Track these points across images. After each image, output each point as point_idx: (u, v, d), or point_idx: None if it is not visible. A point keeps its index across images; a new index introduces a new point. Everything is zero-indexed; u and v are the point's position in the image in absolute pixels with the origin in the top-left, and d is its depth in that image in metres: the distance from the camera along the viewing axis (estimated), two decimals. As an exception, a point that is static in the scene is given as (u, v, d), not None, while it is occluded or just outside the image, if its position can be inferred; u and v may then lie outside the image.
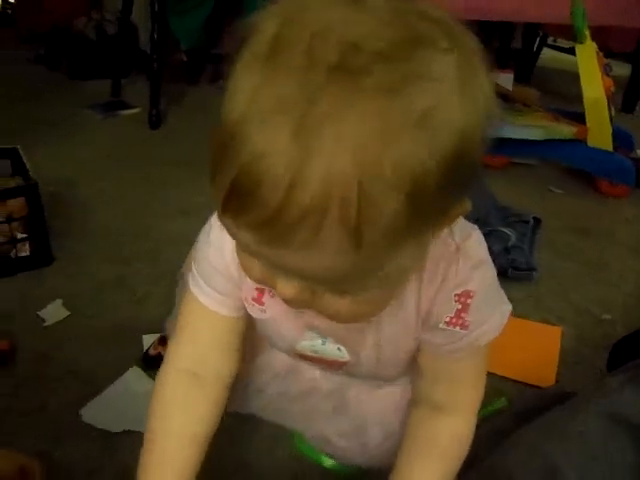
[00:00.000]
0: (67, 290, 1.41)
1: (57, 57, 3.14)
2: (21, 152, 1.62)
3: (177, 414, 0.74)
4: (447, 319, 0.65)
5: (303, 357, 0.76)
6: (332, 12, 0.43)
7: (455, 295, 0.63)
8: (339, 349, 0.72)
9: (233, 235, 0.48)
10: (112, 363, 1.20)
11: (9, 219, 1.42)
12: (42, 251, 1.49)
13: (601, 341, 1.33)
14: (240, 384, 0.81)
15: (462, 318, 0.64)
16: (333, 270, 0.45)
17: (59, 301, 1.36)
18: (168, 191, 1.90)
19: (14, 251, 1.46)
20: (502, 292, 0.69)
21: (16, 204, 1.44)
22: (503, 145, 2.06)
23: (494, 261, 1.12)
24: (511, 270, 1.52)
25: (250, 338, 0.79)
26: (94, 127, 2.47)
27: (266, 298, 0.69)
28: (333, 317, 0.56)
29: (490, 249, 1.43)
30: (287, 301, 0.55)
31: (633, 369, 0.96)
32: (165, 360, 0.76)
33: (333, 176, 0.40)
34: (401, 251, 0.47)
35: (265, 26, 0.44)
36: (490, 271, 0.67)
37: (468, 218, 1.78)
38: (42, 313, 1.33)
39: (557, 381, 1.24)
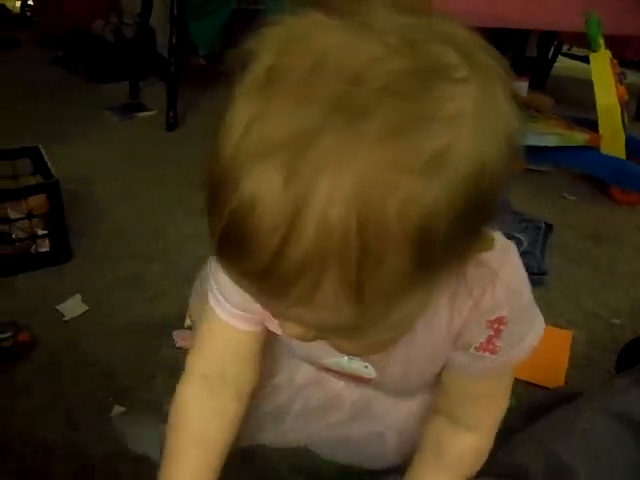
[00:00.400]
0: (85, 286, 1.44)
1: (75, 59, 3.18)
2: (42, 151, 1.66)
3: (197, 422, 0.73)
4: (477, 344, 0.62)
5: (328, 370, 0.74)
6: (334, 37, 0.39)
7: (488, 322, 0.60)
8: (366, 367, 0.70)
9: (230, 278, 0.44)
10: (127, 356, 1.23)
11: (30, 215, 1.45)
12: (61, 247, 1.52)
13: (610, 345, 1.34)
14: (254, 413, 0.80)
15: (493, 344, 0.61)
16: (335, 322, 0.43)
17: (78, 296, 1.40)
18: (182, 191, 1.93)
19: (34, 247, 1.49)
20: (536, 309, 0.64)
21: (37, 201, 1.48)
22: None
23: None
24: (522, 274, 1.53)
25: (266, 359, 0.77)
26: (111, 128, 2.51)
27: None
28: (345, 352, 0.55)
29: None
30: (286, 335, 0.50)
31: (640, 371, 0.97)
32: (185, 370, 0.75)
33: (329, 229, 0.36)
34: (408, 300, 0.44)
35: (263, 53, 0.40)
36: (526, 293, 0.62)
37: None
38: (61, 308, 1.36)
39: (566, 383, 1.25)
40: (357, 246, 0.37)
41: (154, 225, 1.75)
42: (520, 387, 1.21)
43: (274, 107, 0.38)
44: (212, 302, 0.70)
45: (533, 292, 0.63)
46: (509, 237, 1.59)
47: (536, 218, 1.80)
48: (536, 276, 1.55)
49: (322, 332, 0.49)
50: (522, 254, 1.54)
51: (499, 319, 0.60)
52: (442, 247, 0.40)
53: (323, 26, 0.40)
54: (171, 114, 2.49)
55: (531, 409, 1.05)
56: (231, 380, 0.73)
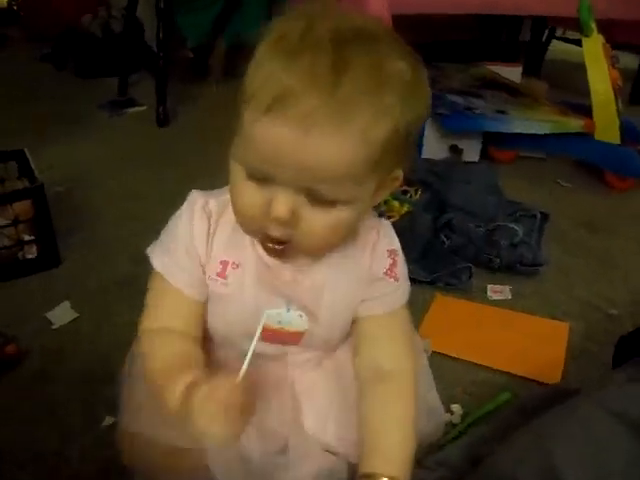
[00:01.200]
0: (75, 292, 1.42)
1: (64, 56, 3.15)
2: (27, 154, 1.64)
3: (164, 347, 0.77)
4: (384, 270, 0.78)
5: (264, 333, 0.73)
6: None
7: (387, 251, 0.79)
8: (300, 316, 0.77)
9: (264, 141, 0.60)
10: (118, 364, 1.21)
11: (15, 221, 1.43)
12: (49, 253, 1.50)
13: (608, 336, 1.32)
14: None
15: (394, 272, 0.79)
16: (338, 164, 0.60)
17: (67, 303, 1.37)
18: (178, 189, 1.89)
19: (21, 253, 1.47)
20: None
21: (22, 206, 1.45)
22: (511, 139, 2.05)
23: (501, 256, 1.46)
24: (518, 265, 1.52)
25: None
26: (102, 126, 2.48)
27: (229, 271, 0.75)
28: (307, 236, 0.66)
29: (497, 244, 1.45)
30: (276, 222, 0.64)
31: (636, 366, 0.96)
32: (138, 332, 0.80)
33: None
34: (369, 180, 0.64)
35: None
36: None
37: (476, 213, 1.76)
38: (50, 315, 1.34)
39: (563, 376, 1.23)
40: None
41: (150, 225, 1.71)
42: (517, 383, 1.20)
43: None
44: (157, 264, 0.79)
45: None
46: (504, 227, 1.55)
47: (531, 207, 1.78)
48: (532, 267, 1.53)
49: (318, 183, 0.62)
50: (517, 244, 1.54)
51: (393, 251, 0.79)
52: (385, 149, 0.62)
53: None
54: (161, 109, 2.46)
55: (527, 407, 1.04)
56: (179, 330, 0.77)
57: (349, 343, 0.85)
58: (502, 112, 2.05)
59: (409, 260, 1.42)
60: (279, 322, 0.76)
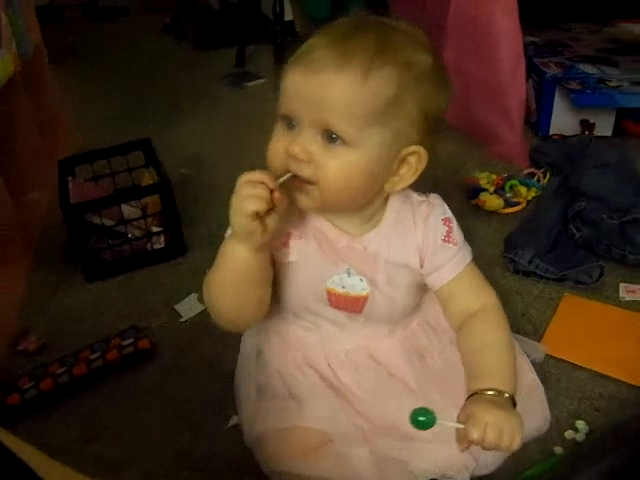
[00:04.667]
0: (201, 283, 1.45)
1: (183, 27, 3.20)
2: (153, 144, 1.68)
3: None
4: (442, 237, 0.88)
5: (332, 297, 0.89)
6: None
7: (441, 220, 0.89)
8: (361, 280, 0.87)
9: (288, 86, 0.77)
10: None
11: (144, 215, 1.48)
12: (176, 242, 1.54)
13: None
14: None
15: (451, 237, 0.88)
16: (341, 97, 0.73)
17: (194, 295, 1.41)
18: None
19: (150, 244, 1.52)
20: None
21: (151, 199, 1.50)
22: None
23: (636, 253, 1.39)
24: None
25: None
26: (222, 101, 2.51)
27: (292, 242, 0.86)
28: (326, 178, 0.76)
29: (632, 239, 1.35)
30: (294, 159, 0.76)
31: None
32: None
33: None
34: (376, 128, 0.75)
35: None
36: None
37: (609, 203, 1.65)
38: (178, 308, 1.39)
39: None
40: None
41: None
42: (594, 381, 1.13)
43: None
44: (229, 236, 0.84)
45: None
46: None
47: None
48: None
49: (334, 111, 0.74)
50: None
51: (447, 219, 0.89)
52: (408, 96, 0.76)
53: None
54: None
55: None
56: None
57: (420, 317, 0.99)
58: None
59: (536, 252, 1.41)
60: (343, 287, 0.87)
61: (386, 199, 0.88)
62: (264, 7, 2.95)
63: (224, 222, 0.80)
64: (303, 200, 0.80)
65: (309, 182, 0.78)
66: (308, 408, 0.91)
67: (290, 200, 0.79)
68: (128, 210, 1.50)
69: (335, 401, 0.92)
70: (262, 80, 2.65)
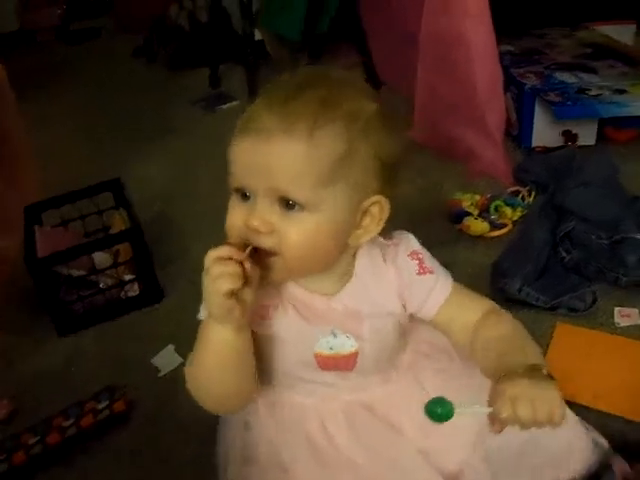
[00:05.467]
0: (179, 332, 1.39)
1: (155, 48, 3.15)
2: (123, 179, 1.62)
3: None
4: (415, 272, 0.84)
5: (321, 361, 0.84)
6: None
7: (407, 255, 0.85)
8: (348, 337, 0.83)
9: (237, 157, 0.73)
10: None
11: (116, 263, 1.42)
12: (151, 289, 1.48)
13: None
14: None
15: (424, 267, 0.85)
16: (293, 160, 0.70)
17: (171, 347, 1.35)
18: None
19: (123, 292, 1.46)
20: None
21: (122, 246, 1.44)
22: (630, 118, 1.85)
23: (629, 275, 1.34)
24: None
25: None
26: (197, 125, 2.45)
27: (272, 313, 0.82)
28: (288, 246, 0.73)
29: (623, 260, 1.30)
30: (254, 231, 0.72)
31: None
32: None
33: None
34: (333, 186, 0.72)
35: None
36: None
37: (596, 222, 1.59)
38: (155, 361, 1.33)
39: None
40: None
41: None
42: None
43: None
44: (204, 315, 0.80)
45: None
46: (631, 240, 1.37)
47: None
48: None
49: (281, 186, 0.71)
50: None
51: (414, 252, 0.86)
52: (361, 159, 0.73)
53: None
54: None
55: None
56: None
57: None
58: (620, 91, 1.84)
59: (525, 280, 1.35)
60: (331, 348, 0.84)
61: (354, 252, 0.84)
62: (235, 24, 2.89)
63: (201, 257, 0.74)
64: (268, 275, 0.76)
65: (272, 253, 0.74)
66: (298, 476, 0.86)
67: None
68: (99, 257, 1.44)
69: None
70: (236, 102, 2.59)
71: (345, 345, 0.84)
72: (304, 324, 0.83)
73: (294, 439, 0.89)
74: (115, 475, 1.12)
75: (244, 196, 0.75)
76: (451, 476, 0.84)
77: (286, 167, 0.71)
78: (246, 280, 0.71)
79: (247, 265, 0.70)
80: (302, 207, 0.72)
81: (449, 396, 0.76)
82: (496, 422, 0.72)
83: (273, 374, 0.89)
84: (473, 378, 0.85)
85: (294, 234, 0.73)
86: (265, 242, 0.73)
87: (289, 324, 0.83)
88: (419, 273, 0.85)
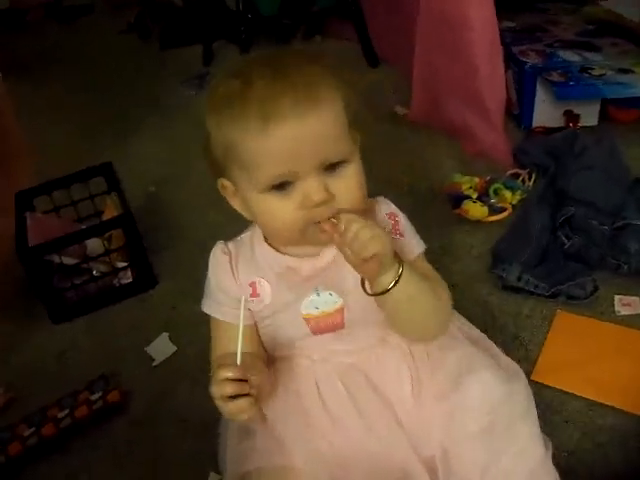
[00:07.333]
0: (173, 320, 1.38)
1: (147, 26, 3.09)
2: (116, 163, 1.59)
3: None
4: (389, 229, 0.89)
5: (310, 324, 0.88)
6: None
7: (386, 214, 0.91)
8: (330, 294, 0.87)
9: (279, 146, 0.74)
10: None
11: (108, 251, 1.40)
12: (144, 275, 1.46)
13: None
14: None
15: (397, 229, 0.90)
16: (330, 127, 0.76)
17: (165, 335, 1.33)
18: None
19: (117, 280, 1.44)
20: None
21: (114, 232, 1.42)
22: (634, 98, 1.81)
23: (630, 262, 1.32)
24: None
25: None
26: (190, 106, 2.37)
27: (259, 288, 0.88)
28: (347, 200, 0.79)
29: (625, 248, 1.27)
30: (322, 204, 0.77)
31: None
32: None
33: None
34: (350, 135, 0.80)
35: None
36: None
37: (599, 206, 1.54)
38: (150, 350, 1.31)
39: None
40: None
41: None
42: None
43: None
44: (214, 313, 0.91)
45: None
46: (633, 226, 1.34)
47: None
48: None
49: (325, 153, 0.76)
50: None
51: (392, 213, 0.91)
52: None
53: None
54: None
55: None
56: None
57: None
58: (625, 71, 1.80)
59: (524, 267, 1.33)
60: (316, 308, 0.88)
61: None
62: (228, 1, 2.83)
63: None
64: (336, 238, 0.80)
65: (332, 218, 0.79)
66: (292, 448, 0.87)
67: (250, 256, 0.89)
68: (91, 244, 1.41)
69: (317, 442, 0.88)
70: (230, 80, 2.54)
71: (329, 302, 0.88)
72: (288, 289, 0.88)
73: (285, 396, 0.91)
74: (111, 464, 1.11)
75: (282, 188, 0.77)
76: (426, 460, 0.86)
77: (328, 137, 0.76)
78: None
79: (252, 377, 0.78)
80: (345, 162, 0.79)
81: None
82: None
83: (276, 347, 0.93)
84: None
85: (347, 188, 0.79)
86: (325, 212, 0.78)
87: (275, 293, 0.88)
88: (391, 232, 0.90)
